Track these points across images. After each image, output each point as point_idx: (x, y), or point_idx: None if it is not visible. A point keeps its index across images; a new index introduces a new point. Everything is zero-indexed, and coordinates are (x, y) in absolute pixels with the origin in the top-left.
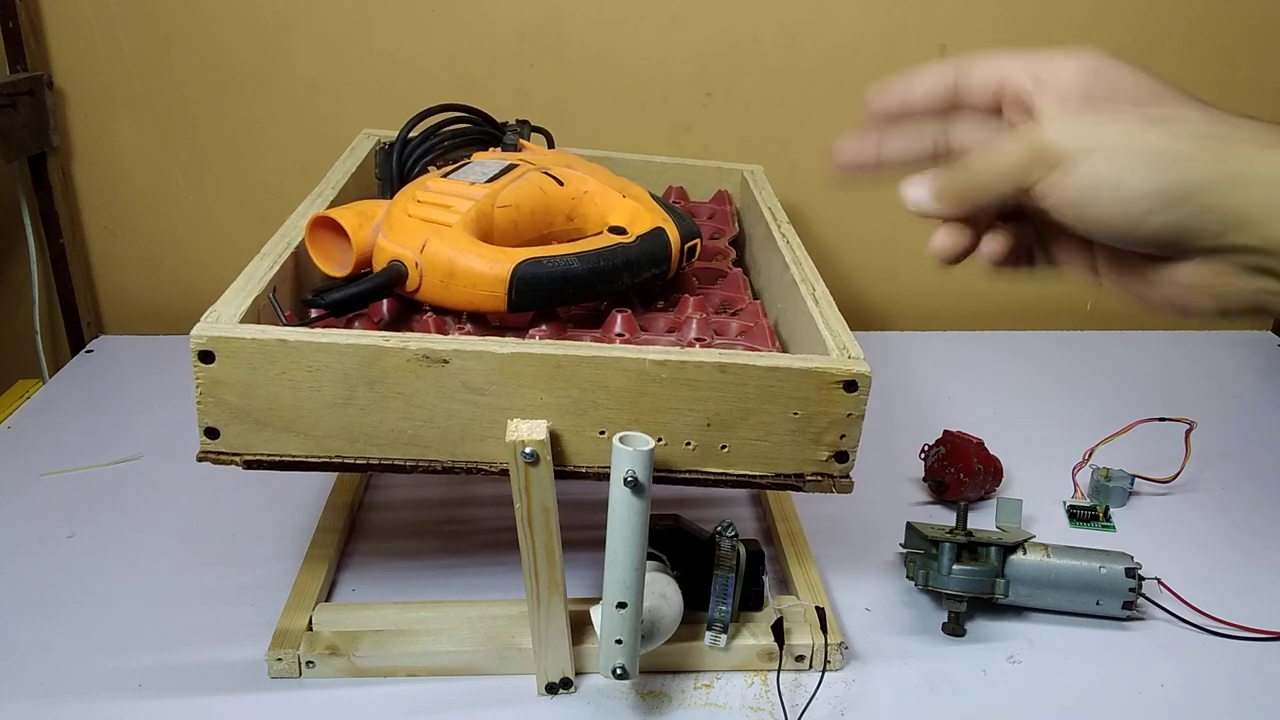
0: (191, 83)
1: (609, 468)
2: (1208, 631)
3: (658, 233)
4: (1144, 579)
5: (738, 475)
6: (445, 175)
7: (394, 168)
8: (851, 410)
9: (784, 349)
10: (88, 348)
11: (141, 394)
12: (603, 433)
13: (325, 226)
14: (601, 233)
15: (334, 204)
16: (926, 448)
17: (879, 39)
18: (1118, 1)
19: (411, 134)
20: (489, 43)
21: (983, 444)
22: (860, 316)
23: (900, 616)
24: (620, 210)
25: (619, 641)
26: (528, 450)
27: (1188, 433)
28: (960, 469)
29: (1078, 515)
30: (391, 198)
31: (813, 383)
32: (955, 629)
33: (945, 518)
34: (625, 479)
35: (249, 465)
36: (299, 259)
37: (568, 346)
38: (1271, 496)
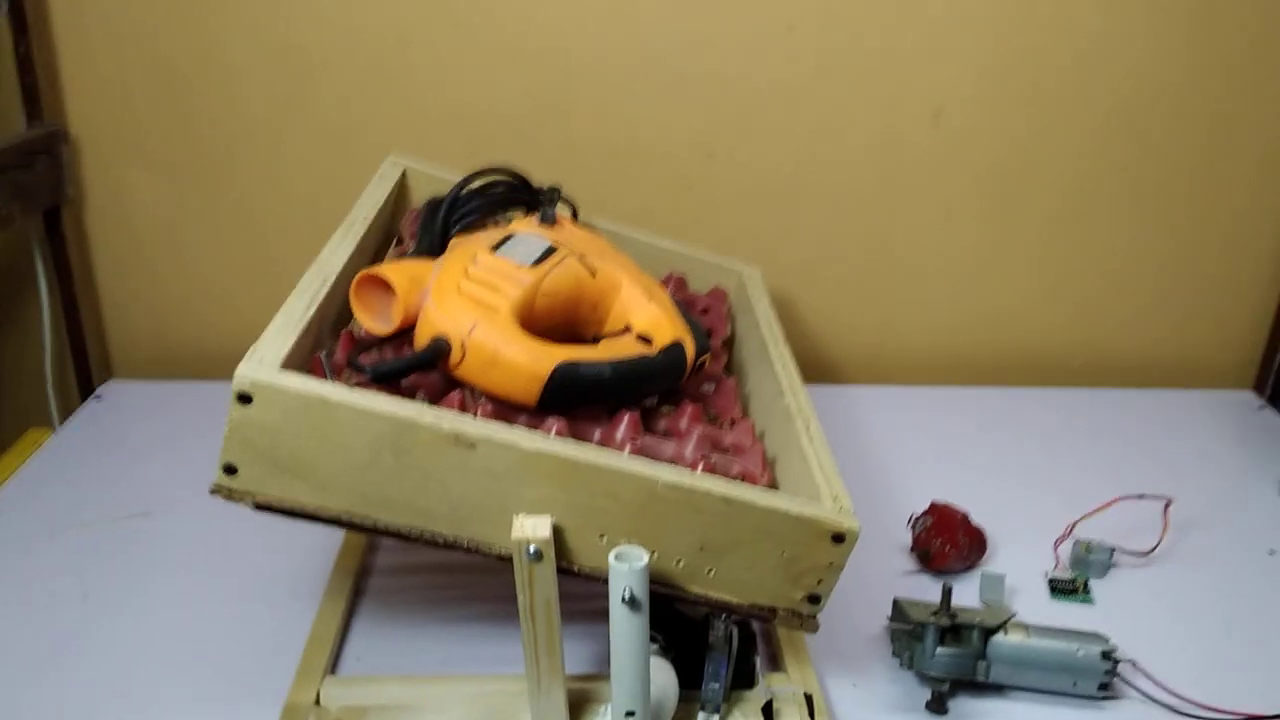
0: (205, 133)
1: (601, 569)
2: (1180, 713)
3: (677, 347)
4: (1119, 661)
5: (716, 599)
6: (494, 249)
7: (439, 224)
8: (834, 560)
9: (774, 475)
10: (96, 394)
11: (150, 442)
12: (602, 537)
13: (374, 282)
14: (624, 330)
15: (364, 239)
16: (914, 518)
17: (875, 102)
18: (1107, 65)
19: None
20: (498, 101)
21: (967, 517)
22: (847, 368)
23: (886, 692)
24: (644, 314)
25: None
26: (532, 549)
27: (1166, 507)
28: (946, 541)
29: (1058, 588)
30: (429, 250)
31: (806, 530)
32: (939, 708)
33: (932, 587)
34: (624, 598)
35: (259, 507)
36: (332, 298)
37: (588, 452)
38: (1246, 568)
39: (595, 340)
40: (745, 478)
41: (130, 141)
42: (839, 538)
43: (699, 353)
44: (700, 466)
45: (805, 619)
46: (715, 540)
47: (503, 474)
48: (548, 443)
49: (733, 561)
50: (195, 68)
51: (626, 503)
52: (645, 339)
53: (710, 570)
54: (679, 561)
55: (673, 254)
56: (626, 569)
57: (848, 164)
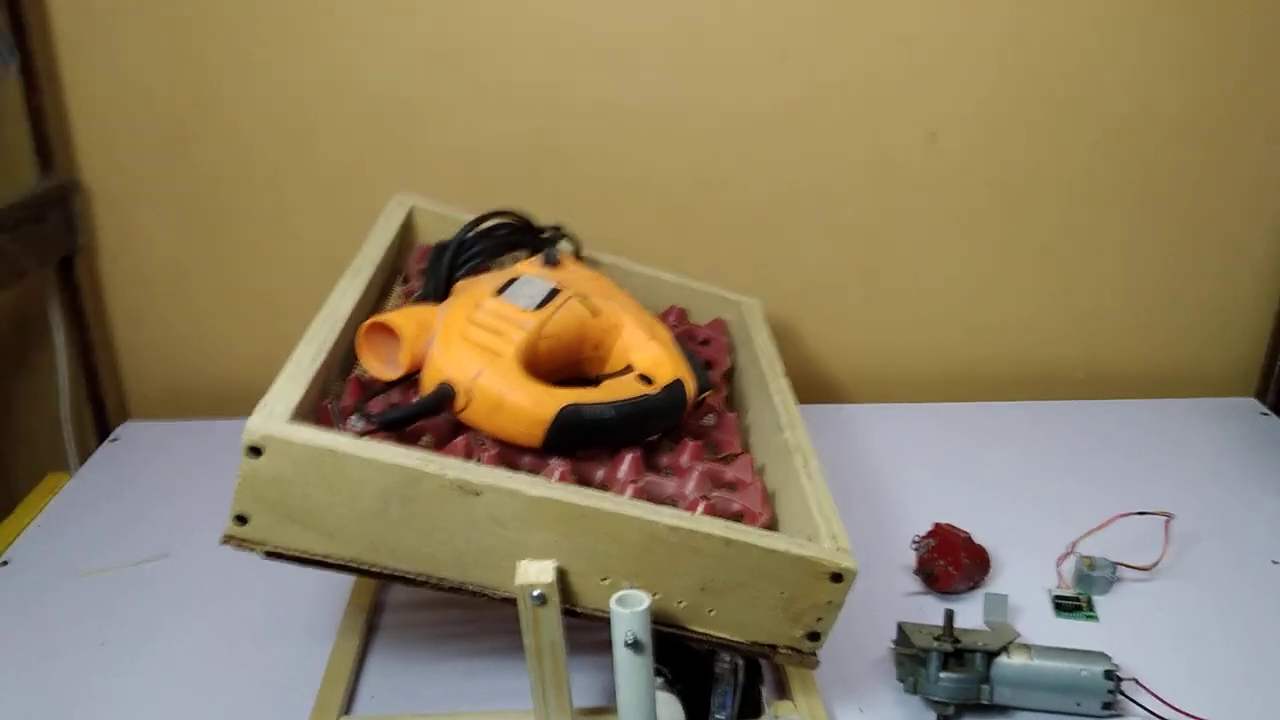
0: (211, 179)
1: (604, 611)
2: None
3: (678, 385)
4: (1122, 680)
5: (717, 637)
6: (498, 293)
7: (444, 268)
8: (833, 599)
9: (773, 512)
10: (113, 436)
11: (168, 482)
12: (605, 580)
13: (381, 328)
14: (626, 369)
15: (372, 281)
16: (917, 539)
17: (871, 125)
18: (1103, 83)
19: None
20: (497, 139)
21: (970, 537)
22: (848, 388)
23: (892, 717)
24: (645, 353)
25: None
26: (536, 593)
27: (1167, 523)
28: (949, 562)
29: (1062, 605)
30: (434, 294)
31: (805, 569)
32: None
33: (936, 607)
34: (626, 641)
35: (270, 555)
36: (340, 344)
37: (590, 497)
38: (1250, 580)
39: (597, 380)
40: (745, 515)
41: (140, 190)
42: (837, 577)
43: (699, 390)
44: (701, 505)
45: (805, 655)
46: (716, 580)
47: (508, 520)
48: (552, 489)
49: (733, 601)
50: (200, 117)
51: (629, 546)
52: (646, 378)
53: (711, 610)
54: (680, 602)
55: (674, 286)
56: (629, 613)
57: (845, 187)
